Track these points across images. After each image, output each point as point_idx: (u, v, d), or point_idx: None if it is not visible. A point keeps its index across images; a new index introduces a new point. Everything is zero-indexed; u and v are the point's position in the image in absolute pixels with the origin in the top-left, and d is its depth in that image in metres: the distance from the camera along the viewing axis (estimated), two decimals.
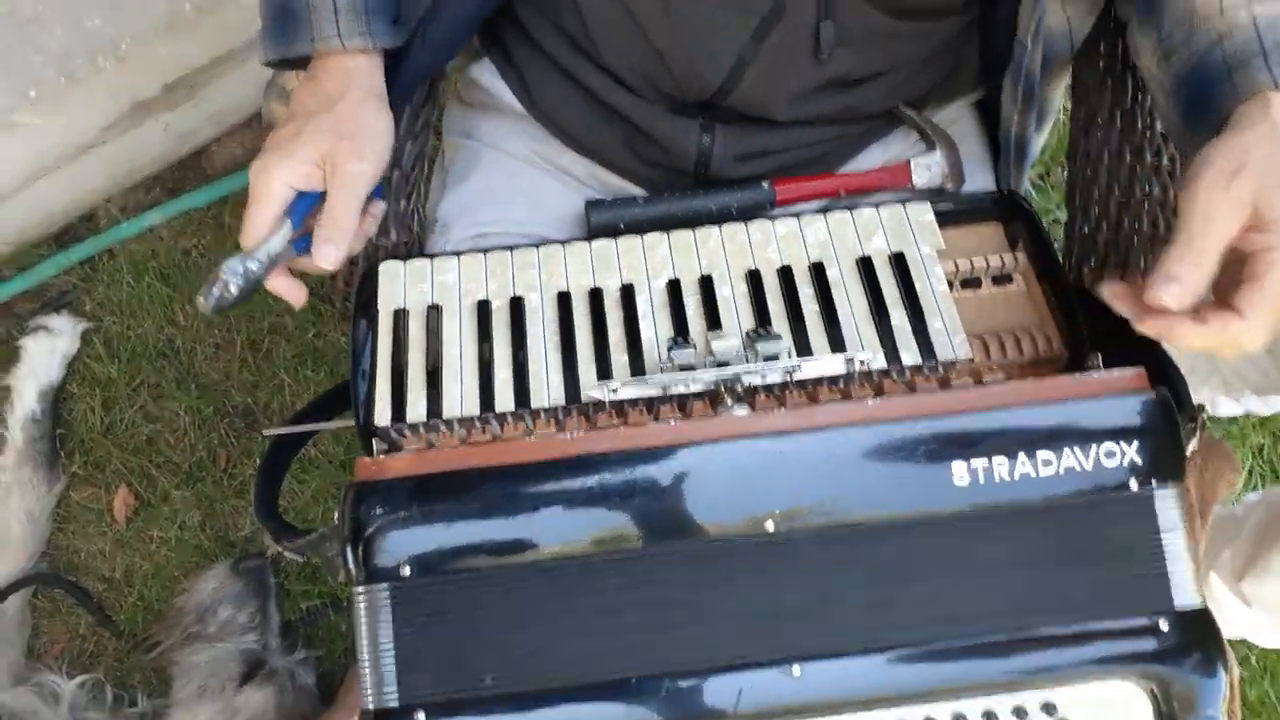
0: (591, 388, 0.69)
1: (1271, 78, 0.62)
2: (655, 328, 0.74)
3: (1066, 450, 0.58)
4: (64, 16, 1.41)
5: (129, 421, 1.56)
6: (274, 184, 0.70)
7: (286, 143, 0.72)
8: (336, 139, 0.72)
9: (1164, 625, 0.57)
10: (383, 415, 0.70)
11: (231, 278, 0.68)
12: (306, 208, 0.72)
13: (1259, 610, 1.11)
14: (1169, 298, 0.58)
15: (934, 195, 0.88)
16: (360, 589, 0.59)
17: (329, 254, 0.71)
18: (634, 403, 0.69)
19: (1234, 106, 0.64)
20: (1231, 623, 1.20)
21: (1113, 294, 0.63)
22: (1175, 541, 0.59)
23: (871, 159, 0.93)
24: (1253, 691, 1.38)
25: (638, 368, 0.72)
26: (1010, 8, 0.79)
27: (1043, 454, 0.58)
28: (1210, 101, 0.66)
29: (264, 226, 0.71)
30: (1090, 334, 0.70)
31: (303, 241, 0.71)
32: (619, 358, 0.73)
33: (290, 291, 0.73)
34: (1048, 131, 0.96)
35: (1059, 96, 0.92)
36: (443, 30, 0.80)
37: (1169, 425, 0.59)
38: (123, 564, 1.49)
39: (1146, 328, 0.61)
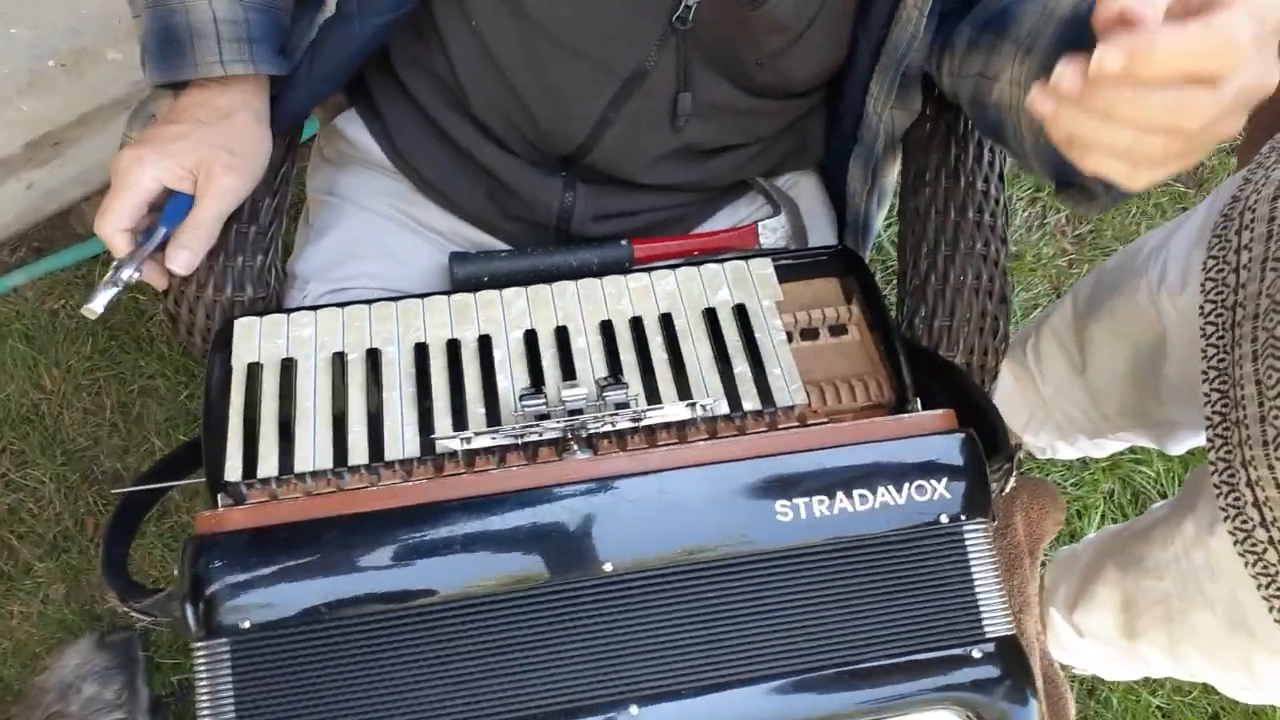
0: (445, 437, 0.70)
1: None
2: (511, 378, 0.76)
3: (880, 487, 0.62)
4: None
5: None
6: (145, 177, 0.73)
7: (170, 141, 0.74)
8: (219, 151, 0.75)
9: (976, 653, 0.61)
10: (233, 470, 0.70)
11: (119, 282, 0.73)
12: (179, 212, 0.76)
13: (1091, 641, 1.17)
14: (1111, 57, 0.48)
15: (778, 253, 0.93)
16: (199, 645, 0.59)
17: (185, 259, 0.76)
18: (486, 452, 0.71)
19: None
20: (1074, 655, 1.26)
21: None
22: (985, 573, 0.63)
23: (722, 220, 0.98)
24: None
25: (494, 417, 0.74)
26: (858, 95, 0.85)
27: (859, 490, 0.61)
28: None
29: (127, 216, 0.74)
30: (914, 381, 0.75)
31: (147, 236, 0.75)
32: (475, 409, 0.74)
33: (157, 277, 0.78)
34: (887, 207, 1.02)
35: (894, 179, 0.98)
36: (324, 68, 0.83)
37: (975, 463, 0.64)
38: None
39: (1115, 50, 0.48)
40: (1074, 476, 1.59)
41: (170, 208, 0.77)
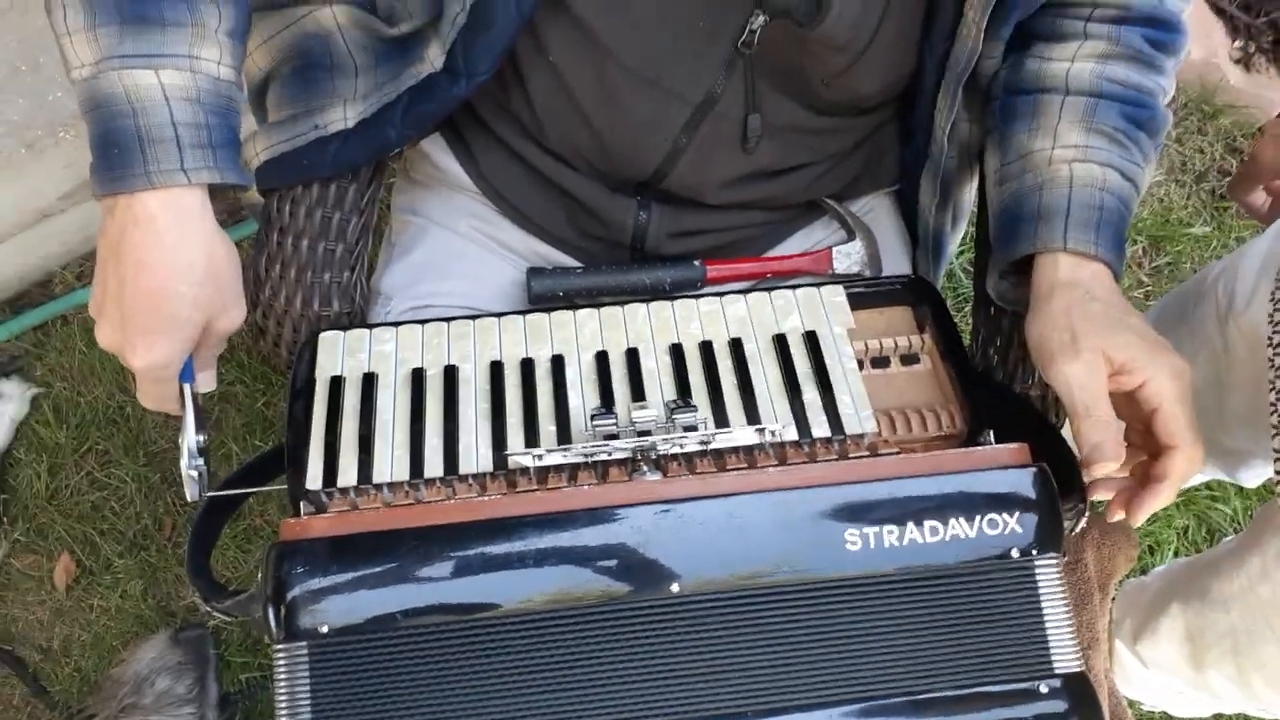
0: (518, 455, 0.72)
1: (1064, 241, 0.74)
2: (583, 397, 0.78)
3: (951, 519, 0.61)
4: (26, 89, 1.46)
5: (74, 488, 1.56)
6: (173, 369, 0.72)
7: (172, 332, 0.70)
8: (215, 308, 0.73)
9: (1044, 689, 0.60)
10: (314, 480, 0.73)
11: (197, 464, 0.74)
12: (191, 362, 0.76)
13: (1155, 672, 1.15)
14: (1106, 465, 0.66)
15: (850, 280, 0.93)
16: (280, 647, 0.61)
17: (208, 379, 0.77)
18: (557, 469, 0.72)
19: (1030, 250, 0.76)
20: (1139, 687, 1.24)
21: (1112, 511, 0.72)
22: (1055, 608, 0.62)
23: (796, 244, 0.99)
24: None
25: (564, 435, 0.75)
26: (926, 111, 0.86)
27: (930, 522, 0.61)
28: (1016, 237, 0.78)
29: (171, 400, 0.74)
30: (987, 412, 0.75)
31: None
32: (547, 426, 0.76)
33: (209, 383, 0.78)
34: (963, 229, 1.02)
35: (971, 198, 0.98)
36: (416, 115, 0.84)
37: (1048, 497, 0.63)
38: (61, 633, 1.47)
39: (1141, 515, 0.70)
40: None
41: (185, 369, 0.76)
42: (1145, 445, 0.71)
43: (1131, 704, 1.31)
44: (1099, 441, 0.67)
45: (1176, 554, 1.54)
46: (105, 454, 1.59)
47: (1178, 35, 0.81)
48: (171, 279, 0.70)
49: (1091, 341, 0.69)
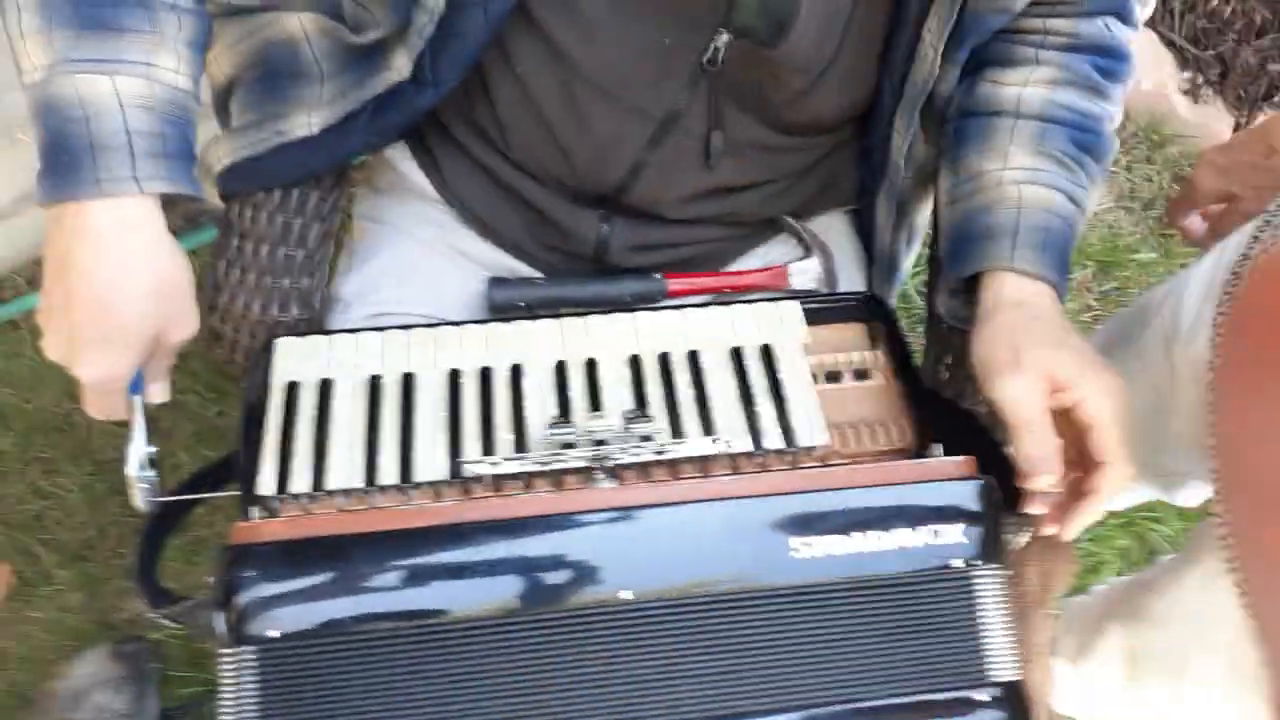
0: (473, 463, 0.72)
1: (1010, 259, 0.76)
2: (541, 406, 0.78)
3: (896, 529, 0.63)
4: None
5: (17, 497, 1.53)
6: (120, 382, 0.71)
7: (118, 346, 0.69)
8: (163, 321, 0.71)
9: (980, 696, 0.62)
10: (267, 485, 0.72)
11: (144, 474, 0.74)
12: (140, 376, 0.75)
13: (1096, 692, 1.17)
14: (1044, 480, 0.68)
15: (806, 296, 0.94)
16: (226, 652, 0.60)
17: (160, 390, 0.77)
18: (513, 477, 0.73)
19: (978, 268, 0.79)
20: (1081, 708, 1.26)
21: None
22: (993, 618, 0.64)
23: (755, 260, 1.00)
24: None
25: (521, 444, 0.75)
26: (884, 132, 0.88)
27: (875, 531, 0.62)
28: (966, 255, 0.80)
29: (119, 408, 0.74)
30: (936, 426, 0.77)
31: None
32: (504, 435, 0.76)
33: (161, 394, 0.78)
34: (917, 250, 1.04)
35: (925, 219, 1.01)
36: (381, 124, 0.84)
37: (992, 509, 0.65)
38: None
39: (1074, 529, 0.73)
40: (1089, 531, 1.59)
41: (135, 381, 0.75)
42: (1079, 460, 0.72)
43: None
44: (1038, 455, 0.69)
45: (1119, 573, 1.57)
46: (50, 462, 1.56)
47: (1124, 63, 0.84)
48: (117, 291, 0.68)
49: (1033, 358, 0.71)
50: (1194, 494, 1.08)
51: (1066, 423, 0.72)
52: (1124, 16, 0.84)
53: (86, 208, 0.67)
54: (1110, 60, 0.83)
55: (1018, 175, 0.80)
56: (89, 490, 1.53)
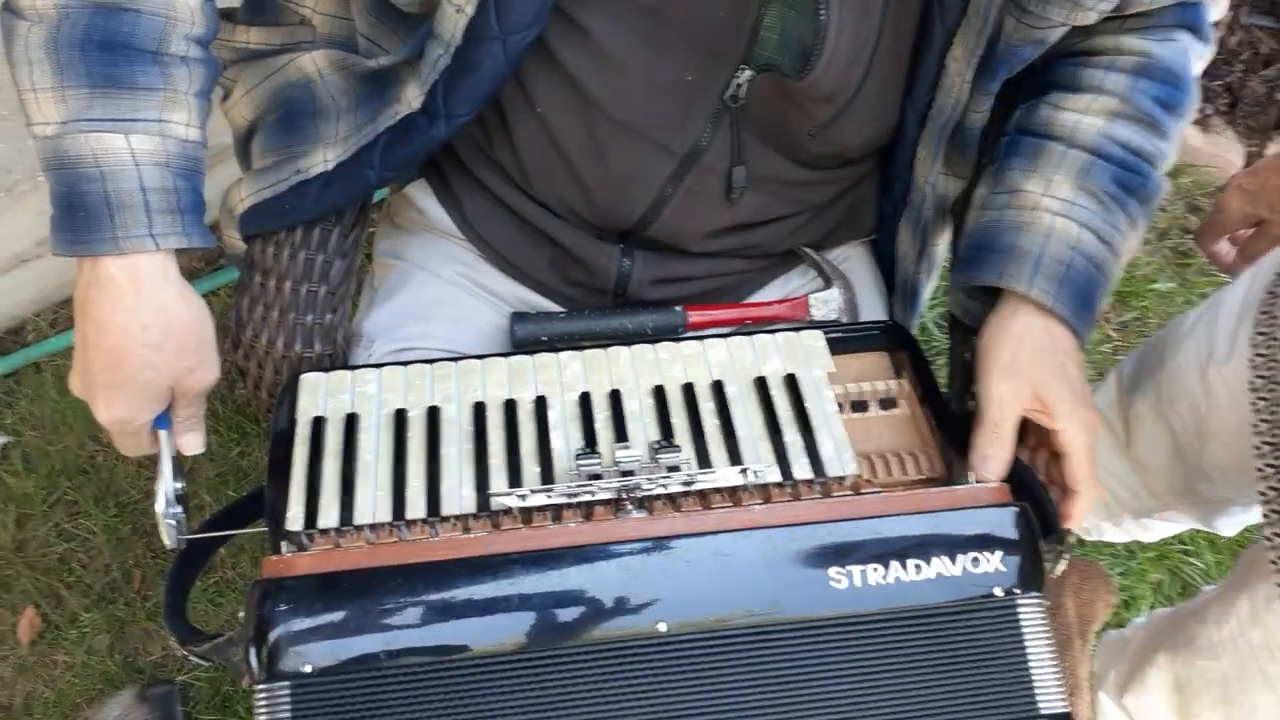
0: (501, 495, 0.72)
1: (1027, 287, 0.78)
2: (566, 438, 0.78)
3: (935, 558, 0.62)
4: (6, 133, 1.46)
5: (42, 539, 1.53)
6: (138, 425, 0.74)
7: (131, 392, 0.71)
8: (178, 369, 0.73)
9: None
10: (295, 520, 0.72)
11: (174, 511, 0.74)
12: (167, 415, 0.77)
13: None
14: (989, 471, 0.73)
15: (828, 325, 0.94)
16: (261, 688, 0.60)
17: (196, 441, 0.78)
18: (541, 509, 0.72)
19: (993, 281, 0.80)
20: None
21: None
22: (1039, 648, 0.62)
23: (775, 291, 1.00)
24: None
25: (547, 476, 0.75)
26: (907, 162, 0.88)
27: (913, 560, 0.62)
28: (984, 264, 0.81)
29: (145, 443, 0.76)
30: (967, 456, 0.76)
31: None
32: (530, 467, 0.76)
33: (197, 445, 0.79)
34: (935, 280, 1.04)
35: (944, 251, 1.00)
36: (394, 157, 0.85)
37: (1029, 537, 0.64)
38: (23, 690, 1.43)
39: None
40: (1121, 565, 1.57)
41: (159, 420, 0.76)
42: (1052, 477, 0.78)
43: None
44: (991, 455, 0.74)
45: (1152, 608, 1.54)
46: (74, 504, 1.56)
47: (1188, 96, 0.83)
48: (128, 340, 0.70)
49: (1030, 373, 0.75)
50: (1234, 522, 1.06)
51: (1045, 440, 0.77)
52: (1197, 30, 0.83)
53: (102, 261, 0.69)
54: (1175, 91, 0.82)
55: (1054, 205, 0.80)
56: (113, 532, 1.54)
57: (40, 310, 1.69)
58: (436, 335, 0.93)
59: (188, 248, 0.72)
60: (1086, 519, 1.24)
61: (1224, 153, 1.89)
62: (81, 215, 0.67)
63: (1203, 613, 0.95)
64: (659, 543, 0.62)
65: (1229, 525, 1.07)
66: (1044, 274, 0.78)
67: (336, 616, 0.60)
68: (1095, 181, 0.80)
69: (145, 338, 0.70)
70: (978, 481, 0.73)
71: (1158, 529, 1.22)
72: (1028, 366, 0.76)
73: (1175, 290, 1.81)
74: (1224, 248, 0.98)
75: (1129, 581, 1.55)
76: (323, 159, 0.85)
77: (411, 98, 0.81)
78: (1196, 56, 0.84)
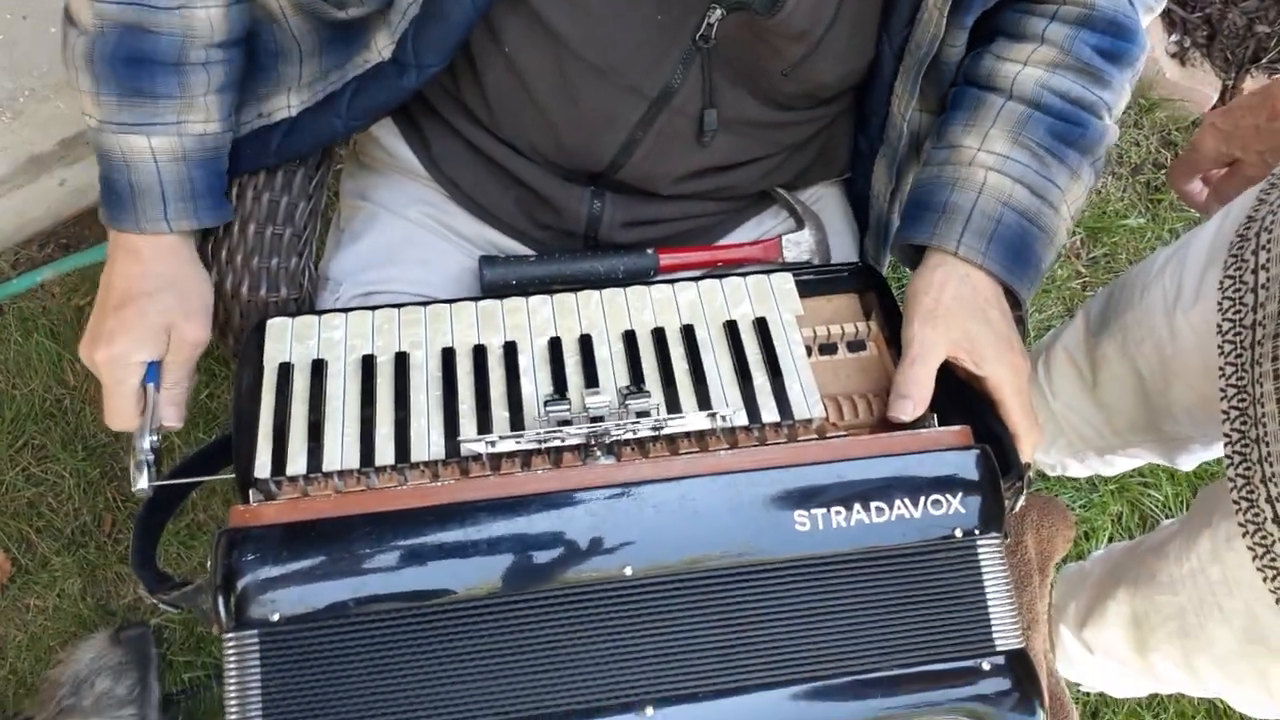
0: (470, 441, 0.72)
1: (955, 245, 0.80)
2: (536, 384, 0.78)
3: (897, 500, 0.63)
4: None
5: (10, 484, 1.52)
6: (131, 371, 0.78)
7: (135, 328, 0.78)
8: (177, 315, 0.80)
9: (986, 665, 0.62)
10: (263, 468, 0.72)
11: (147, 458, 0.76)
12: (158, 370, 0.80)
13: (1100, 657, 1.18)
14: (905, 413, 0.75)
15: (799, 267, 0.94)
16: (229, 636, 0.60)
17: (175, 414, 0.81)
18: (510, 455, 0.72)
19: (925, 242, 0.82)
20: (1083, 671, 1.27)
21: None
22: (998, 587, 0.64)
23: (747, 233, 1.00)
24: None
25: (517, 422, 0.75)
26: (884, 98, 0.88)
27: (876, 503, 0.63)
28: (919, 223, 0.83)
29: (131, 408, 0.79)
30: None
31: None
32: (500, 412, 0.76)
33: (172, 420, 0.81)
34: None
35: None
36: (362, 106, 0.84)
37: (990, 478, 0.65)
38: None
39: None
40: (1082, 498, 1.60)
41: (149, 373, 0.80)
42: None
43: (1070, 686, 1.35)
44: (909, 395, 0.75)
45: (1111, 539, 1.58)
46: (42, 448, 1.55)
47: (1133, 46, 0.83)
48: (142, 282, 0.80)
49: (951, 320, 0.77)
50: (1194, 458, 1.09)
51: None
52: None
53: (126, 234, 0.81)
54: (1118, 41, 0.82)
55: (988, 160, 0.82)
56: (82, 476, 1.53)
57: (1, 250, 1.66)
58: (404, 278, 0.92)
59: (199, 228, 0.83)
60: (1050, 455, 1.26)
61: (1200, 86, 1.88)
62: (114, 197, 0.80)
63: (1163, 549, 0.97)
64: (626, 489, 0.63)
65: (1189, 461, 1.10)
66: (972, 230, 0.80)
67: (304, 565, 0.60)
68: (1030, 134, 0.81)
69: (157, 282, 0.80)
70: (889, 413, 0.75)
71: (1120, 464, 1.25)
72: (948, 312, 0.78)
73: (1146, 226, 1.82)
74: (1196, 187, 0.98)
75: (1089, 514, 1.59)
76: (286, 104, 0.83)
77: (381, 46, 0.80)
78: (1144, 8, 0.84)
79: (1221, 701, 1.40)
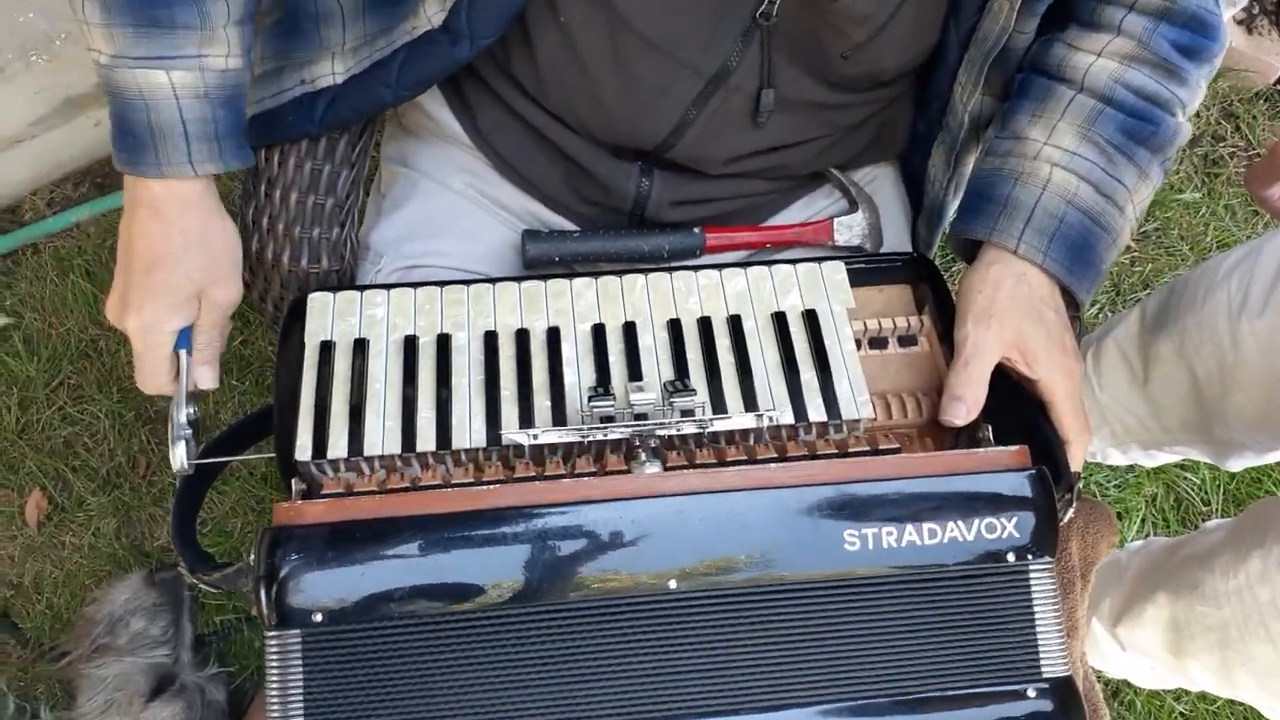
0: (513, 432, 0.71)
1: (1016, 242, 0.77)
2: (579, 373, 0.77)
3: (950, 522, 0.62)
4: None
5: (46, 422, 1.54)
6: (165, 335, 0.75)
7: (163, 294, 0.74)
8: (207, 278, 0.76)
9: (1032, 693, 0.62)
10: (303, 450, 0.71)
11: (185, 433, 0.75)
12: (189, 335, 0.78)
13: (1133, 654, 1.17)
14: (959, 416, 0.73)
15: (851, 254, 0.91)
16: (272, 634, 0.60)
17: (210, 375, 0.79)
18: (553, 448, 0.71)
19: (984, 237, 0.79)
20: (1112, 664, 1.26)
21: None
22: (1046, 613, 0.63)
23: (797, 213, 0.97)
24: None
25: (559, 411, 0.74)
26: (946, 84, 0.84)
27: (928, 524, 0.61)
28: (979, 216, 0.80)
29: (164, 372, 0.76)
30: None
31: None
32: (541, 401, 0.75)
33: (206, 382, 0.79)
34: (962, 195, 1.01)
35: (971, 167, 0.97)
36: (412, 76, 0.81)
37: (1046, 502, 0.63)
38: (32, 570, 1.46)
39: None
40: (1117, 479, 1.58)
41: (182, 338, 0.78)
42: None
43: (1095, 672, 1.35)
44: (962, 397, 0.74)
45: (1144, 522, 1.56)
46: (78, 388, 1.56)
47: (1212, 43, 0.79)
48: (167, 243, 0.74)
49: (1006, 319, 0.75)
50: (1243, 462, 1.07)
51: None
52: None
53: (146, 182, 0.74)
54: (1198, 37, 0.78)
55: (1054, 155, 0.78)
56: (118, 417, 1.54)
57: (37, 189, 1.65)
58: (446, 251, 0.90)
59: (225, 171, 0.76)
60: (1092, 444, 1.24)
61: (1266, 56, 1.81)
62: (131, 140, 0.73)
63: (1209, 561, 0.96)
64: (674, 500, 0.62)
65: (1239, 464, 1.08)
66: (1034, 228, 0.77)
67: (348, 567, 0.60)
68: (1100, 131, 0.78)
69: (183, 241, 0.75)
70: (940, 417, 0.74)
71: (1163, 459, 1.23)
72: (1003, 311, 0.75)
73: (1202, 201, 1.77)
74: (1276, 192, 0.95)
75: (1123, 494, 1.57)
76: (330, 71, 0.81)
77: (431, 13, 0.77)
78: (1227, 2, 0.80)
79: None
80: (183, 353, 0.77)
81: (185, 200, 0.75)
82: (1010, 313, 0.75)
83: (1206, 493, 1.58)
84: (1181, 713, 1.46)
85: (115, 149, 0.75)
